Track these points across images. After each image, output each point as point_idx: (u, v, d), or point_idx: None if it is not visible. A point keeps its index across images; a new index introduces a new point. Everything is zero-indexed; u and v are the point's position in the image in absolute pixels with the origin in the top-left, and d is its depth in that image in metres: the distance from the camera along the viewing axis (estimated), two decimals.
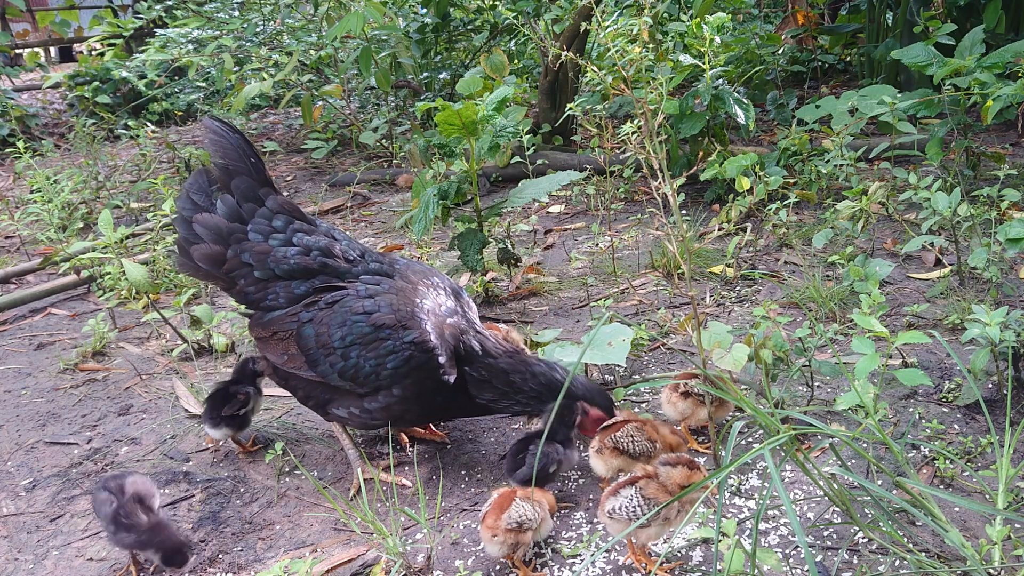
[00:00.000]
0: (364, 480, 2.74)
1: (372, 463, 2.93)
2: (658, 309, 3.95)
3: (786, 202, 4.37)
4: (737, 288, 4.21)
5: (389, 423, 2.79)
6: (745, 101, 5.02)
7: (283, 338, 2.77)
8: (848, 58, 8.78)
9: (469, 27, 8.38)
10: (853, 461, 2.67)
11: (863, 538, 2.30)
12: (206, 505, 2.80)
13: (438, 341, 2.68)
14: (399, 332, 2.64)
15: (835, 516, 2.42)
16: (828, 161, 4.60)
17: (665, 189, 2.51)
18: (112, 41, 8.43)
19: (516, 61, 8.62)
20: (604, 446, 2.56)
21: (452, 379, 2.70)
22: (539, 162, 5.85)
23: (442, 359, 2.67)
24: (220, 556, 2.54)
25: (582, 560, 2.35)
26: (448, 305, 2.83)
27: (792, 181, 4.98)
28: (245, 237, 2.82)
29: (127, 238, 4.56)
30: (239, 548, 2.57)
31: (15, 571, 2.56)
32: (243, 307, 2.93)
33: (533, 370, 2.72)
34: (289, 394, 3.43)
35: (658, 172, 2.52)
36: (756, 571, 2.03)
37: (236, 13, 7.96)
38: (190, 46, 7.48)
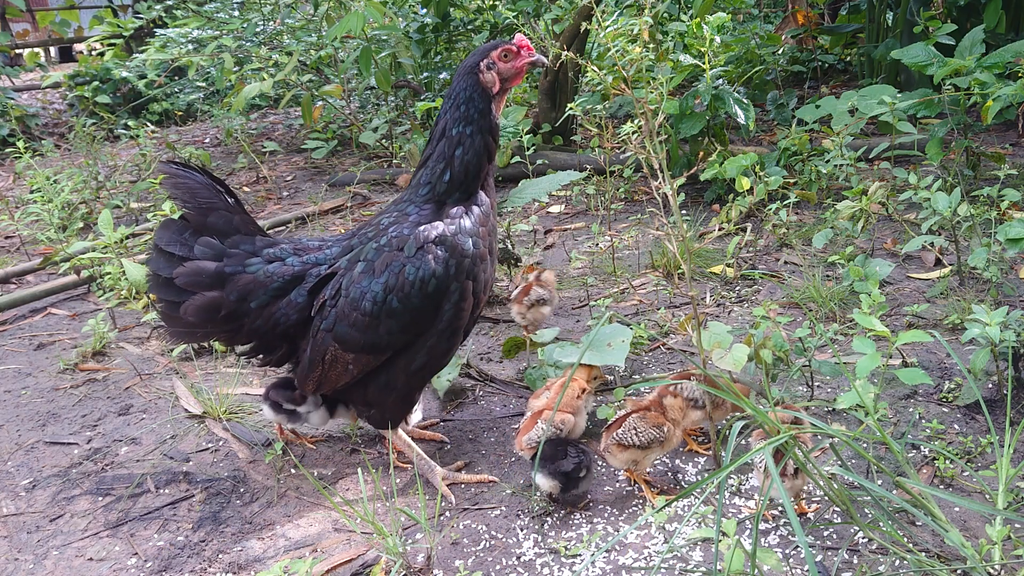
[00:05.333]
0: (364, 480, 2.74)
1: (371, 463, 2.93)
2: (658, 309, 3.95)
3: (786, 202, 4.37)
4: (737, 288, 4.21)
5: (438, 362, 2.71)
6: (745, 101, 5.02)
7: (335, 358, 2.66)
8: (848, 58, 8.78)
9: (469, 27, 8.37)
10: (853, 461, 2.67)
11: (863, 538, 2.30)
12: (206, 505, 2.80)
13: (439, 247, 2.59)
14: (398, 254, 2.57)
15: (835, 516, 2.42)
16: (828, 161, 4.60)
17: (665, 189, 2.51)
18: (112, 41, 8.43)
19: None
20: (610, 444, 2.56)
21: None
22: (539, 162, 5.84)
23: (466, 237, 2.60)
24: (220, 556, 2.54)
25: (582, 560, 2.35)
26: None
27: (792, 181, 4.98)
28: (232, 275, 2.72)
29: (127, 238, 4.56)
30: (239, 548, 2.57)
31: (15, 571, 2.56)
32: (258, 355, 2.85)
33: None
34: None
35: (658, 172, 2.52)
36: (756, 571, 2.03)
37: (236, 13, 7.96)
38: (190, 46, 7.48)
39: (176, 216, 2.80)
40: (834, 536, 2.35)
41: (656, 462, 2.81)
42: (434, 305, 2.59)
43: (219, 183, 2.79)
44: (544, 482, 2.54)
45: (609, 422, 2.63)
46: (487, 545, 2.46)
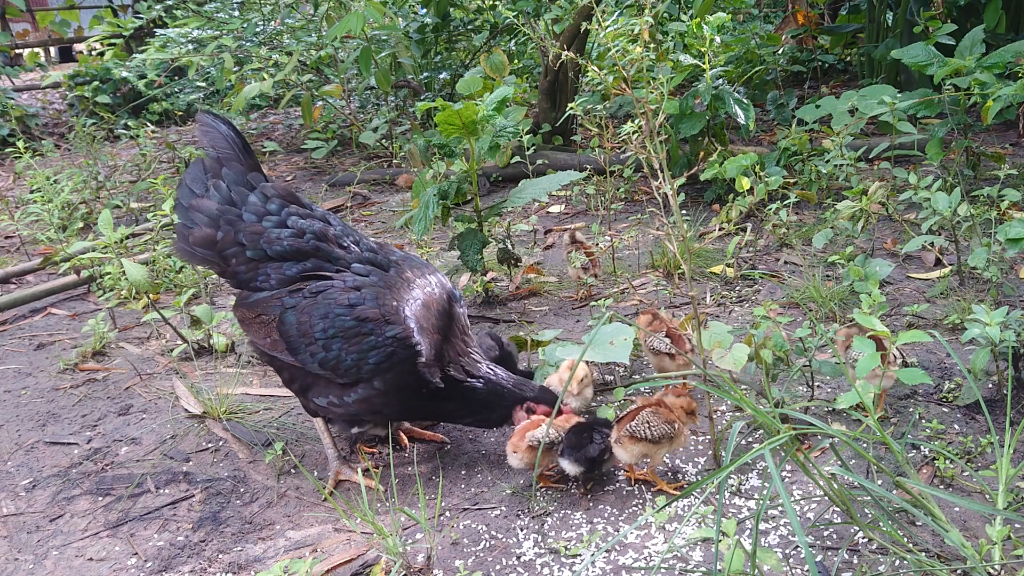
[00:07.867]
0: (360, 480, 2.73)
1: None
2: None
3: (786, 202, 4.37)
4: (737, 288, 4.21)
5: (367, 417, 2.79)
6: (745, 101, 5.02)
7: (266, 322, 2.78)
8: (848, 58, 8.79)
9: (469, 27, 8.38)
10: (853, 461, 2.67)
11: (863, 538, 2.30)
12: (206, 505, 2.80)
13: (422, 338, 2.67)
14: (382, 327, 2.64)
15: (835, 516, 2.42)
16: (828, 161, 4.60)
17: (665, 189, 2.51)
18: (112, 41, 8.43)
19: (516, 61, 8.62)
20: (622, 436, 2.57)
21: (436, 378, 2.70)
22: (539, 162, 5.84)
23: (424, 357, 2.67)
24: (220, 556, 2.54)
25: (582, 560, 2.35)
26: (441, 307, 2.81)
27: (792, 181, 4.98)
28: (239, 219, 2.84)
29: (127, 238, 4.56)
30: (239, 548, 2.57)
31: (15, 571, 2.56)
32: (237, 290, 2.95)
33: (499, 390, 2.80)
34: (288, 395, 3.44)
35: (658, 172, 2.52)
36: (756, 571, 2.03)
37: (236, 13, 7.96)
38: (190, 46, 7.48)
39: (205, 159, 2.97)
40: (834, 536, 2.35)
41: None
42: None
43: (240, 139, 2.96)
44: (570, 467, 2.59)
45: (620, 416, 2.64)
46: (487, 545, 2.46)
